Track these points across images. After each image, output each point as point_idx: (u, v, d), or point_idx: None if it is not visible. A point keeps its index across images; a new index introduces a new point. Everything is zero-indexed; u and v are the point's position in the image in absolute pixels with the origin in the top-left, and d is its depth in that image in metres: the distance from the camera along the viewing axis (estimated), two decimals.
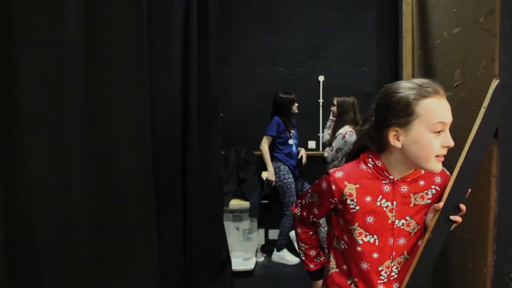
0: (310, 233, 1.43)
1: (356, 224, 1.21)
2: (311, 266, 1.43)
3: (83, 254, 1.32)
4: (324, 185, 1.24)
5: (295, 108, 3.67)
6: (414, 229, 1.20)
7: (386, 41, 3.99)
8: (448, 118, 1.10)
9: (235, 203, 3.66)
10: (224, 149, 3.48)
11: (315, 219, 1.38)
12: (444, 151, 1.12)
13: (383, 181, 1.19)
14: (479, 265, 1.32)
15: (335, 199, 1.22)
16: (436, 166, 1.13)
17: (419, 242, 1.24)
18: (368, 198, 1.19)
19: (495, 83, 1.22)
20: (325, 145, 3.64)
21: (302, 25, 4.03)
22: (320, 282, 1.43)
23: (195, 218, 2.47)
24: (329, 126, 3.75)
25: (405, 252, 1.22)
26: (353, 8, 4.01)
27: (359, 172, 1.21)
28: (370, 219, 1.19)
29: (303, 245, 1.44)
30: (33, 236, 1.18)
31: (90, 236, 1.36)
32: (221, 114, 3.30)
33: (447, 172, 1.27)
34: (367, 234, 1.21)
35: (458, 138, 1.45)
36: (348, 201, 1.20)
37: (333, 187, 1.21)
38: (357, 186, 1.19)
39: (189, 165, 2.43)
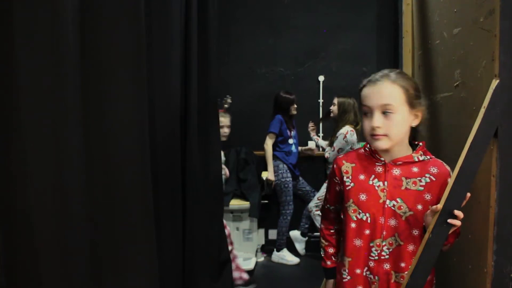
0: (332, 230, 1.50)
1: (351, 201, 1.31)
2: (328, 263, 1.50)
3: (81, 255, 1.32)
4: (332, 168, 1.41)
5: (293, 109, 3.68)
6: (405, 212, 1.25)
7: (386, 41, 3.99)
8: (371, 102, 1.24)
9: (235, 203, 3.66)
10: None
11: (328, 205, 1.48)
12: (375, 131, 1.23)
13: (376, 163, 1.30)
14: (479, 265, 1.32)
15: (337, 178, 1.37)
16: (374, 143, 1.26)
17: (414, 231, 1.26)
18: (362, 177, 1.30)
19: (495, 83, 1.22)
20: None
21: (302, 25, 4.03)
22: (332, 281, 1.47)
23: (195, 218, 2.47)
24: (317, 138, 3.84)
25: (396, 235, 1.27)
26: (353, 8, 4.01)
27: (358, 154, 1.36)
28: (363, 196, 1.29)
29: (323, 241, 1.51)
30: (31, 236, 1.18)
31: (89, 237, 1.36)
32: None
33: (446, 166, 1.28)
34: (360, 211, 1.30)
35: (458, 138, 1.45)
36: (345, 178, 1.33)
37: (335, 166, 1.37)
38: (353, 165, 1.34)
39: (189, 165, 2.43)
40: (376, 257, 1.29)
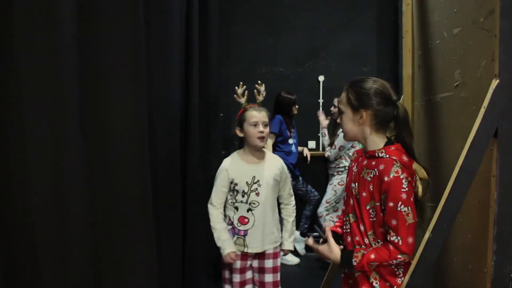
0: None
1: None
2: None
3: (81, 255, 1.32)
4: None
5: (294, 109, 3.67)
6: (356, 195, 1.44)
7: (386, 41, 4.00)
8: None
9: None
10: (224, 149, 3.48)
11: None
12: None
13: (362, 154, 1.50)
14: (479, 265, 1.32)
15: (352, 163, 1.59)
16: None
17: (362, 214, 1.41)
18: (353, 164, 1.53)
19: (495, 83, 1.22)
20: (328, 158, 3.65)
21: (302, 25, 4.03)
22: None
23: (195, 218, 2.47)
24: (325, 133, 3.80)
25: (353, 212, 1.46)
26: (353, 8, 4.01)
27: (362, 150, 1.56)
28: (347, 179, 1.55)
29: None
30: (31, 235, 1.18)
31: (89, 237, 1.36)
32: (221, 114, 3.30)
33: (394, 168, 1.34)
34: (345, 192, 1.56)
35: (458, 138, 1.45)
36: (352, 163, 1.56)
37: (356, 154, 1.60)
38: (355, 156, 1.58)
39: (189, 165, 2.43)
40: (345, 230, 1.51)
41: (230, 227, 2.07)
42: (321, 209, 3.59)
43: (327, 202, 3.56)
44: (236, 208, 2.05)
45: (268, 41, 4.06)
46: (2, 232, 1.11)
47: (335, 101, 3.57)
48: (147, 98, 1.71)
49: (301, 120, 3.85)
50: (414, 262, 1.25)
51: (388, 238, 1.34)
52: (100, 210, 1.44)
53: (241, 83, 2.22)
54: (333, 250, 1.46)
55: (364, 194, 1.41)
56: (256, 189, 2.03)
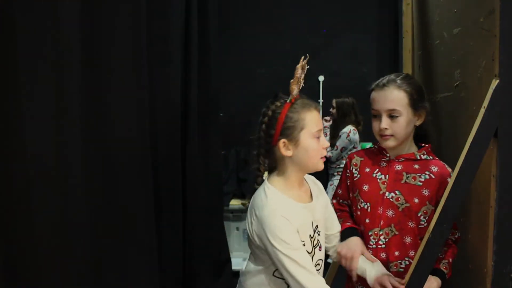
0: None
1: (357, 191, 1.42)
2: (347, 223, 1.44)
3: (82, 254, 1.32)
4: (345, 164, 1.52)
5: None
6: (402, 204, 1.32)
7: (386, 41, 3.99)
8: (378, 106, 1.35)
9: (235, 203, 3.66)
10: (224, 149, 3.47)
11: (341, 200, 1.53)
12: (383, 132, 1.35)
13: (382, 159, 1.40)
14: (479, 265, 1.32)
15: (348, 170, 1.47)
16: (383, 143, 1.37)
17: (410, 223, 1.32)
18: (367, 169, 1.41)
19: (495, 83, 1.21)
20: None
21: (302, 25, 4.03)
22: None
23: (195, 218, 2.47)
24: (326, 134, 3.78)
25: (392, 225, 1.33)
26: (353, 8, 4.01)
27: (368, 151, 1.47)
28: (365, 187, 1.39)
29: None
30: (32, 234, 1.18)
31: (89, 237, 1.36)
32: (221, 114, 3.30)
33: (448, 168, 1.34)
34: (363, 201, 1.39)
35: (458, 138, 1.45)
36: (353, 170, 1.45)
37: (347, 160, 1.49)
38: (362, 159, 1.45)
39: (189, 165, 2.43)
40: (374, 246, 1.35)
41: None
42: None
43: None
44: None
45: (268, 41, 4.05)
46: (2, 232, 1.11)
47: (334, 102, 3.58)
48: (148, 99, 1.71)
49: None
50: (414, 262, 1.25)
51: (452, 237, 1.37)
52: (101, 210, 1.44)
53: (306, 55, 1.37)
54: (435, 281, 1.28)
55: (416, 200, 1.31)
56: (318, 241, 1.26)
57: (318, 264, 1.26)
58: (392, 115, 1.32)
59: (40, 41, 1.18)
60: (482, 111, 1.22)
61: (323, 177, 3.88)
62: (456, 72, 1.55)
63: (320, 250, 1.27)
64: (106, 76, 1.45)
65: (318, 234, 1.26)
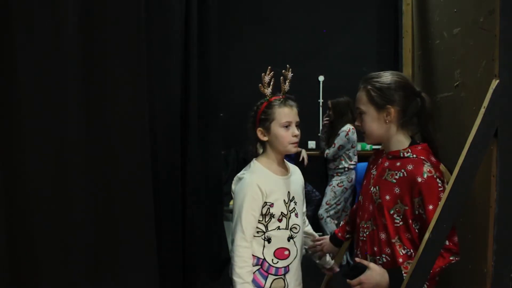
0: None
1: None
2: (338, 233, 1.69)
3: (81, 254, 1.32)
4: None
5: None
6: (377, 200, 1.34)
7: (386, 41, 3.99)
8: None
9: None
10: (224, 149, 3.47)
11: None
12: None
13: (381, 156, 1.43)
14: (479, 265, 1.32)
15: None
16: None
17: (383, 220, 1.32)
18: (371, 166, 1.47)
19: (495, 83, 1.21)
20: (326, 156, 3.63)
21: (302, 25, 4.03)
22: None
23: (195, 218, 2.47)
24: (324, 131, 3.79)
25: (371, 219, 1.36)
26: (353, 8, 4.01)
27: (380, 151, 1.49)
28: (364, 182, 1.47)
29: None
30: (32, 235, 1.18)
31: (89, 236, 1.36)
32: (221, 114, 3.30)
33: (425, 168, 1.27)
34: (360, 195, 1.47)
35: (458, 138, 1.45)
36: (370, 166, 1.50)
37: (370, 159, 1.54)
38: (373, 157, 1.50)
39: (189, 165, 2.43)
40: (362, 238, 1.41)
41: (255, 269, 1.49)
42: (321, 211, 3.59)
43: (327, 204, 3.56)
44: (268, 240, 1.49)
45: (268, 41, 4.06)
46: (2, 232, 1.11)
47: (329, 103, 3.58)
48: (148, 99, 1.71)
49: (301, 120, 3.81)
50: (414, 262, 1.25)
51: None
52: (101, 210, 1.44)
53: (269, 67, 1.73)
54: (379, 272, 1.26)
55: (387, 197, 1.30)
56: (294, 208, 1.54)
57: (295, 228, 1.54)
58: (360, 113, 1.39)
59: (39, 44, 1.18)
60: (482, 111, 1.22)
61: (322, 178, 3.88)
62: (456, 72, 1.55)
63: (296, 217, 1.55)
64: (106, 75, 1.45)
65: (295, 203, 1.55)
